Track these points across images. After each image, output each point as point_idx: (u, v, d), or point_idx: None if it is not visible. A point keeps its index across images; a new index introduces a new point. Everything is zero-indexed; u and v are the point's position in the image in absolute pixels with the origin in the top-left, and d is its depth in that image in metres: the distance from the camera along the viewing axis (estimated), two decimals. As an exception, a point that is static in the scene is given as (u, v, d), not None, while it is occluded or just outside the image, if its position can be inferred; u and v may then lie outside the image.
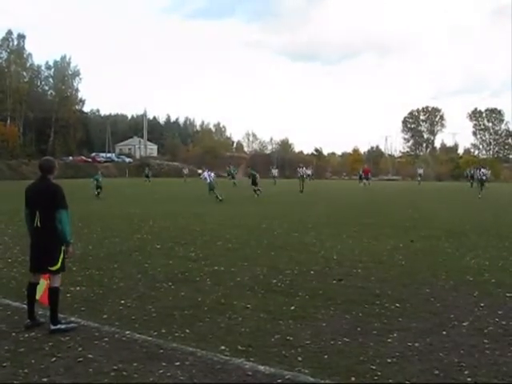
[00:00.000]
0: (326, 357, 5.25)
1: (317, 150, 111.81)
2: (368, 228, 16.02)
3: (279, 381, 4.68)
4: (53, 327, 6.05)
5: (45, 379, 4.73)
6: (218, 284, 8.37)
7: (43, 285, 6.33)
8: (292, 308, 7.01)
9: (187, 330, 6.05)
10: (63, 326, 6.10)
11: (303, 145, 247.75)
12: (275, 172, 57.56)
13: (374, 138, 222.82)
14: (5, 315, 6.75)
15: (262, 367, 4.97)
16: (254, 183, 32.40)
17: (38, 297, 6.35)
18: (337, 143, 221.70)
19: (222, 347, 5.48)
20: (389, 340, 5.78)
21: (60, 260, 6.28)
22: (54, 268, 6.23)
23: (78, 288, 8.13)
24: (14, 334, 5.98)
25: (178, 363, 5.07)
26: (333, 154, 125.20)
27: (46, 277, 6.33)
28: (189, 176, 66.34)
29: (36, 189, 6.45)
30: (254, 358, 5.21)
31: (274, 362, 5.12)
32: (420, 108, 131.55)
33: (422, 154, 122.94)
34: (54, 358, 5.21)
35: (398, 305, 7.22)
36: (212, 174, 29.30)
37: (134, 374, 4.82)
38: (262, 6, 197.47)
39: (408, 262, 10.43)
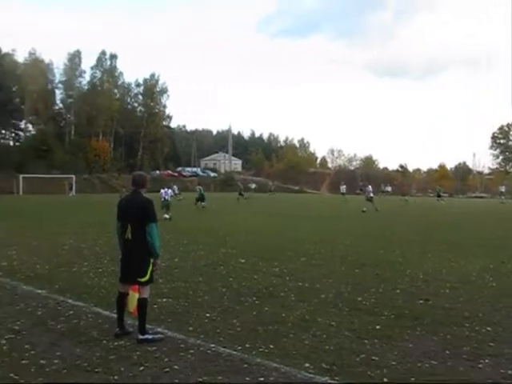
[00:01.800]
0: (412, 379, 5.10)
1: (401, 166, 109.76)
2: (455, 246, 15.50)
3: (364, 402, 4.60)
4: (141, 337, 6.22)
5: (134, 387, 4.86)
6: (302, 300, 8.32)
7: (135, 297, 6.43)
8: (377, 327, 6.86)
9: (271, 346, 6.04)
10: (150, 337, 6.25)
11: (388, 161, 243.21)
12: (343, 188, 56.19)
13: (461, 155, 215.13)
14: (96, 323, 7.01)
15: (346, 387, 4.90)
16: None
17: (131, 309, 6.49)
18: (422, 159, 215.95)
19: (306, 364, 5.44)
20: (479, 365, 5.54)
21: (149, 272, 6.44)
22: (143, 280, 6.39)
23: (164, 300, 8.31)
24: (104, 341, 6.19)
25: (261, 379, 5.07)
26: (418, 170, 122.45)
27: (136, 289, 6.46)
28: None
29: (128, 202, 6.66)
30: (339, 376, 5.14)
31: (358, 382, 5.03)
32: (510, 123, 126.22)
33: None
34: (141, 367, 5.35)
35: (489, 328, 6.91)
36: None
37: (219, 388, 4.87)
38: (347, 23, 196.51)
39: (499, 284, 9.99)
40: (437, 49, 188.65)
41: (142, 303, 6.36)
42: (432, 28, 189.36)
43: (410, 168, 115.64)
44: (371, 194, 35.91)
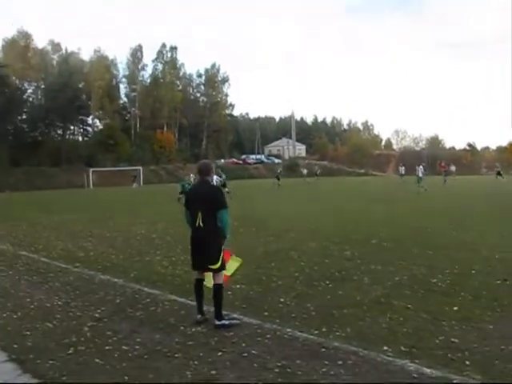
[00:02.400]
0: (496, 362, 4.96)
1: (470, 145, 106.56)
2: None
3: (447, 385, 4.52)
4: (217, 323, 6.33)
5: (213, 371, 4.95)
6: (375, 283, 8.24)
7: (210, 275, 6.66)
8: (455, 309, 6.71)
9: (348, 329, 6.01)
10: (227, 322, 6.34)
11: (455, 140, 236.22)
12: (402, 170, 54.93)
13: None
14: (172, 310, 7.17)
15: (427, 370, 4.82)
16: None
17: (210, 285, 6.64)
18: (491, 137, 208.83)
19: (385, 347, 5.39)
20: None
21: (220, 259, 6.54)
22: (214, 266, 6.50)
23: (238, 286, 8.38)
24: (182, 327, 6.33)
25: (340, 362, 5.05)
26: (487, 148, 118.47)
27: (227, 259, 6.80)
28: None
29: (198, 191, 6.79)
30: (419, 360, 5.06)
31: (439, 365, 4.93)
32: None
33: None
34: (220, 353, 5.43)
35: None
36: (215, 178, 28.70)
37: (298, 372, 4.88)
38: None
39: None
40: (498, 18, 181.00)
41: (217, 289, 6.47)
42: None
43: (479, 146, 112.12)
44: (420, 174, 35.78)
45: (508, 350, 5.27)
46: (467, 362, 4.97)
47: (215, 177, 29.77)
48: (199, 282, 6.75)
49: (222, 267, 6.60)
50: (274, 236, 13.90)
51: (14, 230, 17.83)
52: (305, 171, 68.17)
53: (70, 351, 5.58)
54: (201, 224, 6.54)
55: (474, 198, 27.86)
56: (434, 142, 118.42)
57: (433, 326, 6.09)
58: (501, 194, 31.10)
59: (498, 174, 51.53)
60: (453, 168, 64.73)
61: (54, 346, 5.79)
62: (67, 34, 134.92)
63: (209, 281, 6.71)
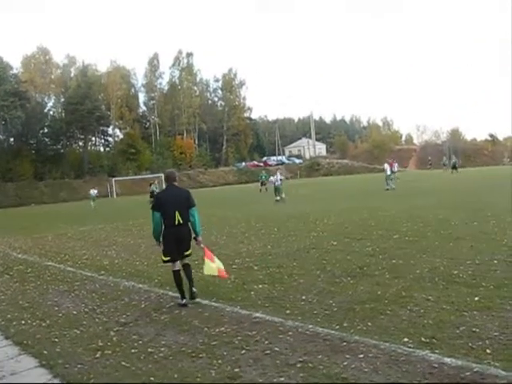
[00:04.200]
0: (518, 349, 4.99)
1: (491, 136, 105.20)
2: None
3: (467, 373, 4.53)
4: (194, 289, 7.81)
5: (236, 369, 5.05)
6: (397, 277, 8.26)
7: (208, 264, 7.83)
8: (476, 299, 6.71)
9: (369, 323, 6.07)
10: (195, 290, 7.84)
11: (476, 132, 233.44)
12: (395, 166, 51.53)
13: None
14: (196, 312, 7.29)
15: (447, 359, 4.85)
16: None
17: (213, 273, 7.87)
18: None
19: (405, 339, 5.43)
20: None
21: (190, 245, 7.96)
22: (188, 252, 7.97)
23: (260, 286, 8.48)
24: (206, 328, 6.44)
25: (361, 355, 5.12)
26: (509, 138, 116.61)
27: (209, 255, 7.90)
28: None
29: (172, 193, 7.96)
30: (439, 350, 5.10)
31: (460, 354, 4.96)
32: None
33: None
34: (243, 351, 5.53)
35: None
36: (279, 177, 31.25)
37: (319, 366, 4.95)
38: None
39: None
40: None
41: (188, 267, 7.97)
42: None
43: (501, 137, 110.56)
44: (388, 172, 34.06)
45: (529, 338, 5.28)
46: (488, 351, 4.99)
47: (278, 175, 31.83)
48: (179, 272, 7.82)
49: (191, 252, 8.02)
50: (295, 236, 13.97)
51: (41, 241, 18.18)
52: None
53: (97, 355, 5.74)
54: (180, 221, 7.70)
55: (502, 188, 27.57)
56: (455, 134, 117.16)
57: (454, 316, 6.11)
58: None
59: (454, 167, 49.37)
60: (454, 159, 63.84)
61: (82, 350, 5.96)
62: (83, 47, 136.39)
63: (207, 269, 7.81)
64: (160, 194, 8.23)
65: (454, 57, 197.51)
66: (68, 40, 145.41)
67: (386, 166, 34.80)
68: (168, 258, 7.86)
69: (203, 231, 15.16)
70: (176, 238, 7.73)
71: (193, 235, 8.00)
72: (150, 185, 39.33)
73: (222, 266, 8.01)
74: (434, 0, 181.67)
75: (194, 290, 7.81)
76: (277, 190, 30.48)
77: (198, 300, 7.88)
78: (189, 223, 7.86)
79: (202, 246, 8.04)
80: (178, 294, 8.25)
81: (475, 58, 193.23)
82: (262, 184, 41.37)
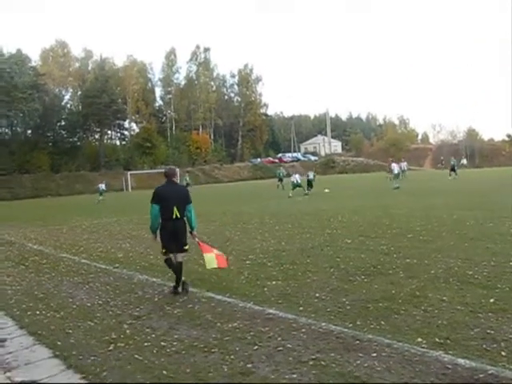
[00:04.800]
0: (532, 352, 4.94)
1: (509, 136, 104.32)
2: None
3: (481, 375, 4.50)
4: (183, 279, 8.27)
5: (249, 365, 5.05)
6: (411, 277, 8.21)
7: (207, 256, 8.21)
8: (491, 300, 6.66)
9: (382, 322, 6.05)
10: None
11: (494, 131, 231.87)
12: (403, 165, 48.79)
13: None
14: (209, 307, 7.30)
15: (461, 360, 4.82)
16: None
17: (214, 266, 8.21)
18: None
19: (419, 339, 5.40)
20: None
21: (187, 241, 8.32)
22: (187, 247, 8.34)
23: (273, 282, 8.47)
24: (219, 324, 6.45)
25: (374, 354, 5.10)
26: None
27: (207, 249, 8.34)
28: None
29: (171, 189, 8.35)
30: (453, 351, 5.06)
31: (474, 355, 4.93)
32: None
33: None
34: (256, 347, 5.54)
35: None
36: (297, 176, 33.30)
37: (332, 364, 4.95)
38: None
39: None
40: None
41: (181, 265, 8.28)
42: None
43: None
44: (395, 171, 34.95)
45: (544, 340, 5.23)
46: (503, 353, 4.95)
47: (297, 175, 33.81)
48: (170, 260, 8.28)
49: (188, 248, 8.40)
50: (309, 233, 13.95)
51: (56, 233, 18.31)
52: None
53: (111, 348, 5.78)
54: (178, 215, 8.12)
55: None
56: (472, 134, 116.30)
57: (468, 317, 6.07)
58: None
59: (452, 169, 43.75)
60: (464, 161, 63.19)
61: (95, 342, 6.00)
62: (101, 40, 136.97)
63: (209, 263, 8.17)
64: (160, 189, 8.40)
65: (471, 55, 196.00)
66: (86, 34, 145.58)
67: (394, 165, 35.59)
68: (165, 251, 8.27)
69: (217, 226, 15.51)
70: (172, 231, 8.14)
71: (189, 229, 8.42)
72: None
73: (220, 253, 8.49)
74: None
75: (182, 283, 8.29)
76: (298, 186, 31.92)
77: (210, 295, 7.91)
78: (185, 218, 8.29)
79: (196, 240, 8.44)
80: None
81: (494, 56, 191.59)
82: (280, 180, 42.22)
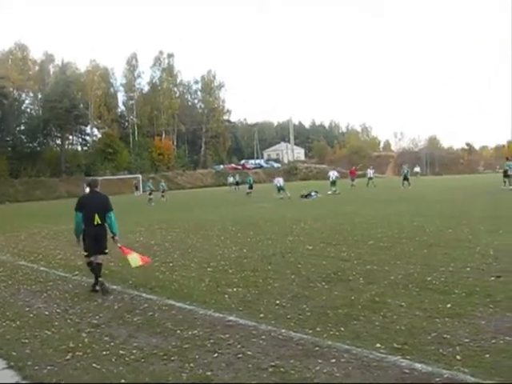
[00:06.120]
0: (487, 356, 5.04)
1: (467, 144, 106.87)
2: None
3: (437, 379, 4.59)
4: (100, 279, 8.83)
5: (208, 373, 5.04)
6: (371, 283, 8.31)
7: (129, 258, 9.02)
8: (448, 306, 6.78)
9: (342, 328, 6.10)
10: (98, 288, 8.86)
11: (453, 140, 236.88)
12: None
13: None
14: (170, 314, 7.25)
15: (418, 365, 4.90)
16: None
17: (138, 264, 9.09)
18: (490, 136, 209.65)
19: (378, 345, 5.47)
20: (558, 340, 5.38)
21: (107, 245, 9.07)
22: (106, 251, 9.14)
23: (234, 289, 8.46)
24: (178, 331, 6.41)
25: (333, 360, 5.14)
26: (485, 147, 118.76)
27: (128, 252, 9.12)
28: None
29: (93, 198, 9.18)
30: (411, 355, 5.14)
31: (431, 360, 5.02)
32: None
33: None
34: (215, 354, 5.52)
35: None
36: (281, 180, 35.71)
37: (291, 371, 4.97)
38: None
39: None
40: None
41: (99, 265, 8.95)
42: None
43: (477, 146, 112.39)
44: (333, 178, 37.56)
45: (499, 344, 5.34)
46: (458, 357, 5.05)
47: (280, 178, 36.10)
48: (92, 264, 8.96)
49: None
50: (271, 240, 13.97)
51: (14, 240, 17.95)
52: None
53: (68, 357, 5.68)
54: (99, 222, 8.86)
55: (475, 196, 27.88)
56: (433, 142, 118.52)
57: (426, 322, 6.17)
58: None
59: (405, 178, 42.79)
60: (417, 169, 64.49)
61: (52, 352, 5.89)
62: (62, 44, 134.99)
63: (133, 262, 9.00)
64: (83, 198, 9.33)
65: (433, 65, 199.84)
66: (47, 37, 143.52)
67: (330, 172, 39.05)
68: (87, 253, 9.00)
69: (179, 233, 15.44)
70: (94, 237, 8.89)
71: (111, 235, 9.11)
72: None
73: (139, 256, 9.29)
74: (415, 5, 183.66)
75: (101, 279, 8.88)
76: (281, 190, 34.66)
77: (171, 302, 7.87)
78: (106, 225, 9.02)
79: (118, 244, 9.09)
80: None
81: (454, 67, 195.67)
82: (236, 184, 49.58)
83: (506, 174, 31.46)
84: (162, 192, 44.82)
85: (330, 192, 36.11)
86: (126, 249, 9.30)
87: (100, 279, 8.84)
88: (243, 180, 55.49)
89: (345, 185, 41.85)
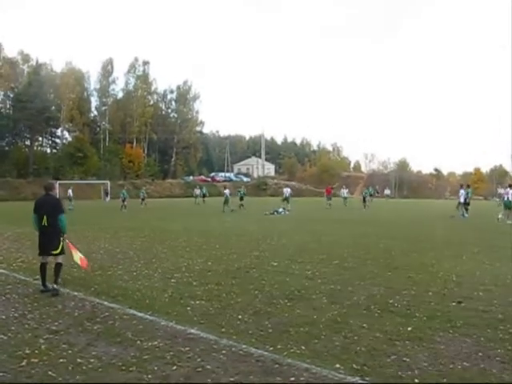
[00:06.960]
0: (444, 380, 5.09)
1: (436, 169, 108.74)
2: (490, 250, 15.23)
3: (394, 403, 4.62)
4: (55, 286, 9.14)
5: (166, 386, 4.97)
6: (334, 302, 8.34)
7: (74, 255, 9.68)
8: (409, 329, 6.84)
9: (302, 347, 6.09)
10: (57, 287, 9.16)
11: (422, 165, 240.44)
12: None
13: (498, 157, 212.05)
14: (131, 324, 7.15)
15: (376, 387, 4.92)
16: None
17: (78, 262, 9.77)
18: (457, 162, 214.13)
19: (337, 365, 5.47)
20: (514, 368, 5.47)
21: (60, 247, 9.38)
22: (55, 252, 9.35)
23: (197, 302, 8.42)
24: (139, 341, 6.33)
25: (292, 379, 5.12)
26: (453, 173, 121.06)
27: (73, 248, 9.73)
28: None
29: (44, 201, 9.58)
30: (369, 377, 5.16)
31: (389, 382, 5.04)
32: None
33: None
34: (174, 367, 5.46)
35: (523, 331, 6.82)
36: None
37: (250, 387, 4.94)
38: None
39: (536, 287, 9.81)
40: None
41: (58, 266, 9.33)
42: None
43: (445, 171, 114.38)
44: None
45: (457, 369, 5.41)
46: (416, 380, 5.09)
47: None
48: (44, 265, 9.46)
49: (62, 252, 9.46)
50: (237, 254, 13.96)
51: (-26, 241, 17.54)
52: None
53: (23, 363, 5.54)
54: (46, 223, 9.30)
55: (442, 220, 28.28)
56: (402, 165, 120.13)
57: (386, 345, 6.20)
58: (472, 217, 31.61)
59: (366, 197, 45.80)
60: (387, 191, 66.11)
61: (7, 358, 5.74)
62: (38, 45, 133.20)
63: (75, 257, 9.67)
64: (38, 200, 9.76)
65: (405, 86, 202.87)
66: (24, 37, 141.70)
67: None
68: (39, 251, 9.52)
69: (144, 242, 15.30)
70: (43, 236, 9.38)
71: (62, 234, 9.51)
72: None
73: (83, 257, 9.86)
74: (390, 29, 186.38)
75: (56, 287, 9.17)
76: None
77: (132, 311, 7.77)
78: (57, 226, 9.37)
79: (66, 241, 9.56)
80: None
81: (430, 89, 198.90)
82: (203, 196, 53.02)
83: (465, 202, 31.86)
84: (142, 199, 46.33)
85: (280, 209, 35.12)
86: (72, 246, 9.80)
87: (55, 286, 9.19)
88: (210, 192, 57.75)
89: (320, 203, 42.03)
